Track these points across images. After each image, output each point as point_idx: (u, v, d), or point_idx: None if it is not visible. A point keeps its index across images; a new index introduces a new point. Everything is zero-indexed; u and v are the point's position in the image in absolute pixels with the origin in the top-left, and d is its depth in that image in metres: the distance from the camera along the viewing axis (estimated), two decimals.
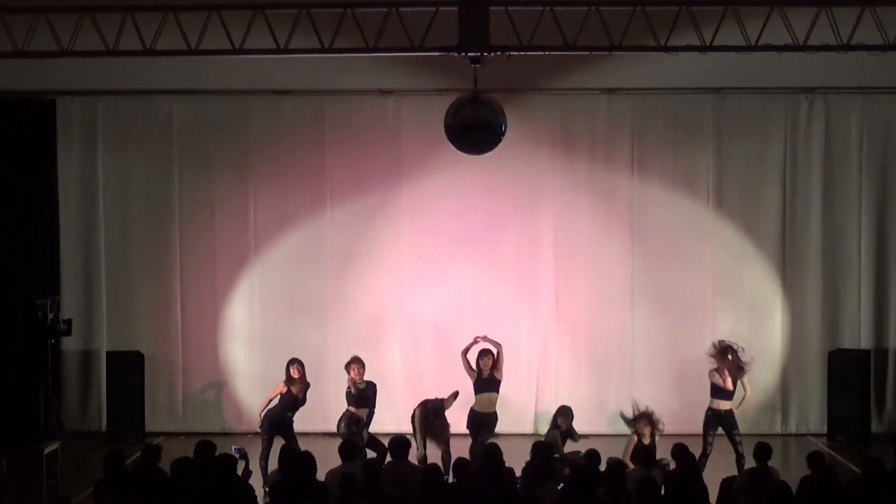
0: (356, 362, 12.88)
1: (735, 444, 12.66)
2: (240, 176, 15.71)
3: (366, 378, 12.95)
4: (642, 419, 12.20)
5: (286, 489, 8.86)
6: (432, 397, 12.90)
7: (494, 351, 12.95)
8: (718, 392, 12.76)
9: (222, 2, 12.27)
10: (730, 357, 12.79)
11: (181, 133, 15.71)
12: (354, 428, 12.65)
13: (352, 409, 12.84)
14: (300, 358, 13.08)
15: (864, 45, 12.01)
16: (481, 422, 12.80)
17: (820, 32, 12.07)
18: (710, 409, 12.80)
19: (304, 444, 12.60)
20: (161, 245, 15.73)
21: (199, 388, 15.81)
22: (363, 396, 12.86)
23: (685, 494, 8.98)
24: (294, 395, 12.89)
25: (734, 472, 11.64)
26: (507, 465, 9.97)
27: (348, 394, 12.89)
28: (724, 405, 12.76)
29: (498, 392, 12.91)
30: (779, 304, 15.65)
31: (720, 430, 12.78)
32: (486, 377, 12.90)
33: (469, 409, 12.91)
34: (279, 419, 12.83)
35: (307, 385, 12.98)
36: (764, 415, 15.54)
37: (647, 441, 12.01)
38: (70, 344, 15.47)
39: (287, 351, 14.31)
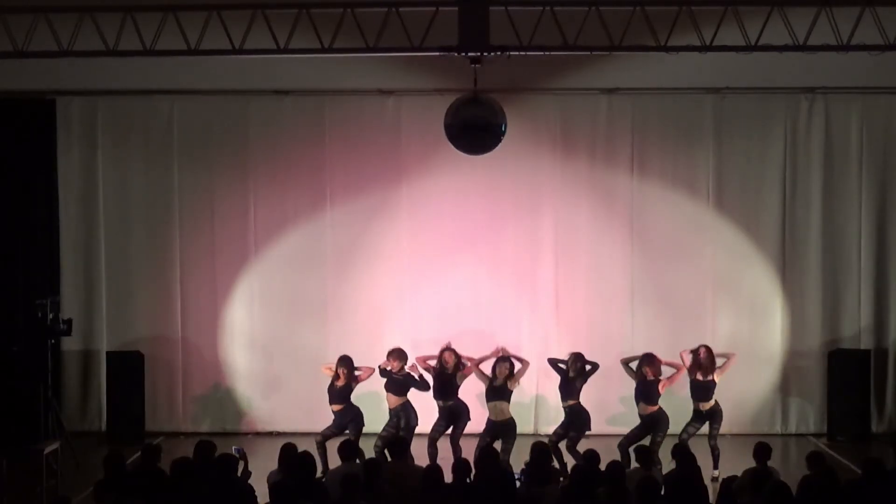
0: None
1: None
2: (240, 176, 15.70)
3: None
4: (645, 361, 13.11)
5: (286, 489, 8.86)
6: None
7: (517, 365, 12.98)
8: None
9: (222, 2, 12.27)
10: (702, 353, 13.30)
11: (181, 133, 15.70)
12: None
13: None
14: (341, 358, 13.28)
15: (864, 45, 12.01)
16: (499, 431, 12.77)
17: (820, 32, 12.07)
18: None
19: (303, 444, 12.61)
20: (161, 245, 15.72)
21: (199, 388, 15.79)
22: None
23: (685, 494, 8.98)
24: (334, 384, 13.12)
25: (735, 471, 11.64)
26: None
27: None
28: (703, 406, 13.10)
29: (508, 402, 12.89)
30: (779, 304, 15.64)
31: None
32: (499, 385, 12.87)
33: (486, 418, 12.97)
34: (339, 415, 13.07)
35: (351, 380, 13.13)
36: (764, 415, 15.57)
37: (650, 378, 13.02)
38: (70, 344, 15.46)
39: (287, 351, 14.35)
